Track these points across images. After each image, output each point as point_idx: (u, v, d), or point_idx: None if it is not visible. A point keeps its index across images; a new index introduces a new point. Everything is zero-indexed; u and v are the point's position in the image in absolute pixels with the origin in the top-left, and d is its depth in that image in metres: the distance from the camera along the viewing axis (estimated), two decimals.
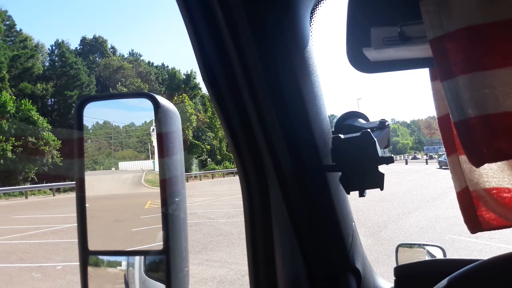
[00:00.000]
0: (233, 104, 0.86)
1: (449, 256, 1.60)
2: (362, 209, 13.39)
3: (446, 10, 0.62)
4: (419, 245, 1.66)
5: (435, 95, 0.84)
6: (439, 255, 1.56)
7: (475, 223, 0.89)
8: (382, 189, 0.76)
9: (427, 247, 1.60)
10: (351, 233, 0.98)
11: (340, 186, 0.78)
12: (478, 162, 0.63)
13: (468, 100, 0.60)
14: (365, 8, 0.78)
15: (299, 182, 0.88)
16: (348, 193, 0.82)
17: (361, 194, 0.78)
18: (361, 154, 0.74)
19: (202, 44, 0.84)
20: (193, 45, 0.84)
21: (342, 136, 0.76)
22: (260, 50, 0.80)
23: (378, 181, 0.75)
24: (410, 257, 1.60)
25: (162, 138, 0.77)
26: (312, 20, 0.94)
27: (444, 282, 0.71)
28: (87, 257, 0.81)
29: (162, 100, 0.78)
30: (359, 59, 0.80)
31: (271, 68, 0.82)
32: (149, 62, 69.93)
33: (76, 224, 0.80)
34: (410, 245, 1.70)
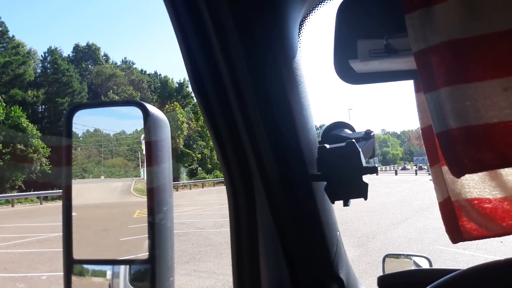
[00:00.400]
0: (221, 112, 0.87)
1: (435, 267, 1.61)
2: (351, 219, 13.40)
3: (430, 23, 0.63)
4: (406, 256, 1.67)
5: (419, 107, 0.85)
6: (425, 265, 1.57)
7: (456, 233, 0.91)
8: (366, 199, 0.76)
9: (414, 258, 1.61)
10: (336, 242, 0.99)
11: (325, 195, 0.78)
12: (459, 173, 0.63)
13: (450, 112, 0.61)
14: (352, 21, 0.79)
15: (285, 190, 0.88)
16: (333, 203, 0.83)
17: (346, 204, 0.78)
18: (345, 164, 0.75)
19: (192, 54, 0.84)
20: (183, 55, 0.85)
21: (327, 146, 0.77)
22: (248, 61, 0.81)
23: (362, 191, 0.75)
24: (397, 267, 1.60)
25: (151, 147, 0.77)
26: (300, 31, 0.96)
27: None
28: (72, 266, 0.80)
29: (151, 108, 0.79)
30: (346, 71, 0.81)
31: (259, 78, 0.83)
32: (141, 70, 69.85)
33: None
34: (397, 256, 1.70)
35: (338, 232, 1.02)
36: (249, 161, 0.89)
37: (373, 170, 0.75)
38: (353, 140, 0.75)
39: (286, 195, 0.88)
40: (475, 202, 0.89)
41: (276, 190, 0.88)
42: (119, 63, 69.83)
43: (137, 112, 0.79)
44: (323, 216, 0.93)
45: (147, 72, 70.78)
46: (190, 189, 40.54)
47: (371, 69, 0.79)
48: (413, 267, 1.57)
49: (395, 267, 1.60)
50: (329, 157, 0.76)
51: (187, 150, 47.49)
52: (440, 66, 0.62)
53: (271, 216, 0.89)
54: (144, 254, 0.76)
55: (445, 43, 0.62)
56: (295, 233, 0.91)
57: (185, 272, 8.14)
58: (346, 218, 13.39)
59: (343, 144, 0.76)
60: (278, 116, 0.85)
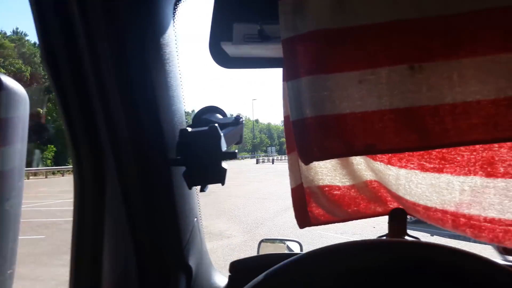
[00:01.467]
0: (72, 80, 0.79)
1: (306, 249, 1.70)
2: (244, 205, 13.80)
3: (301, 12, 0.63)
4: (280, 240, 1.75)
5: (284, 95, 0.87)
6: (296, 249, 1.65)
7: (304, 218, 0.95)
8: (223, 184, 0.75)
9: (287, 242, 1.69)
10: (191, 228, 0.96)
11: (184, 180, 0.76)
12: (307, 159, 0.65)
13: (308, 101, 0.62)
14: (230, 4, 0.77)
15: (140, 176, 0.83)
16: (190, 188, 0.80)
17: (202, 189, 0.77)
18: (205, 149, 0.73)
19: (47, 26, 0.76)
20: (36, 26, 0.76)
21: (189, 129, 0.74)
22: (109, 32, 0.74)
23: (220, 177, 0.74)
24: (271, 252, 1.66)
25: (1, 124, 0.67)
26: (175, 11, 0.91)
27: (261, 276, 0.68)
28: None
29: (7, 80, 0.68)
30: (220, 54, 0.79)
31: (120, 53, 0.76)
32: (35, 44, 62.53)
33: None
34: (273, 240, 1.77)
35: (195, 219, 1.00)
36: (101, 140, 0.82)
37: (232, 156, 0.74)
38: (216, 125, 0.74)
39: (141, 181, 0.84)
40: (326, 189, 0.93)
41: (131, 174, 0.82)
42: (9, 33, 61.94)
43: None
44: (179, 202, 0.91)
45: None
46: (63, 175, 37.40)
47: (242, 53, 0.78)
48: (286, 251, 1.64)
49: (270, 251, 1.65)
50: (189, 141, 0.73)
51: None
52: (305, 55, 0.62)
53: (122, 202, 0.84)
54: None
55: (312, 33, 0.62)
56: (146, 220, 0.87)
57: (62, 263, 7.60)
58: (239, 204, 13.76)
59: (206, 128, 0.73)
60: (137, 94, 0.79)
